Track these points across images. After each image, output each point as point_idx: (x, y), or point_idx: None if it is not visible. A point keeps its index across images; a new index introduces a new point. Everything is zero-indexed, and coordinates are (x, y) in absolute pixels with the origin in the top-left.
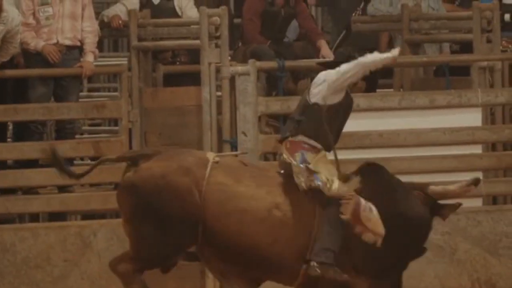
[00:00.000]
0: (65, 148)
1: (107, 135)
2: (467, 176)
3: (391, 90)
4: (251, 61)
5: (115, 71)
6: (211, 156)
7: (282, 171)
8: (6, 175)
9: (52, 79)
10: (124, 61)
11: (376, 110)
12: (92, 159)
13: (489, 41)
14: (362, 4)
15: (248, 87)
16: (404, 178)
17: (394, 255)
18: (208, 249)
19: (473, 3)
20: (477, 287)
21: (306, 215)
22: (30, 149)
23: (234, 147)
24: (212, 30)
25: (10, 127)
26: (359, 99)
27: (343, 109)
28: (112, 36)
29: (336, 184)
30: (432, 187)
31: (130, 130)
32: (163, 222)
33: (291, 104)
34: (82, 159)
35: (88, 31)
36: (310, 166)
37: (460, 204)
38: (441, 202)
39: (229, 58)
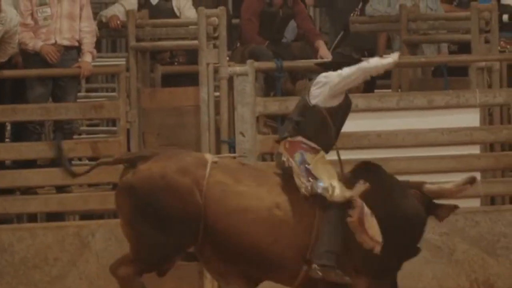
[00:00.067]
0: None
1: (105, 135)
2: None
3: (389, 90)
4: (249, 61)
5: (113, 71)
6: (209, 157)
7: (279, 171)
8: (4, 176)
9: (51, 79)
10: (122, 62)
11: (374, 110)
12: (90, 159)
13: (487, 41)
14: (360, 4)
15: (246, 88)
16: (402, 178)
17: (393, 254)
18: (208, 249)
19: (471, 4)
20: None
21: (306, 215)
22: (28, 150)
23: (232, 147)
24: (210, 30)
25: (8, 127)
26: (357, 100)
27: (342, 111)
28: (110, 36)
29: (337, 190)
30: (428, 186)
31: (128, 131)
32: (164, 223)
33: (289, 104)
34: (80, 159)
35: (86, 31)
36: (310, 167)
37: (456, 207)
38: (438, 202)
39: (227, 58)
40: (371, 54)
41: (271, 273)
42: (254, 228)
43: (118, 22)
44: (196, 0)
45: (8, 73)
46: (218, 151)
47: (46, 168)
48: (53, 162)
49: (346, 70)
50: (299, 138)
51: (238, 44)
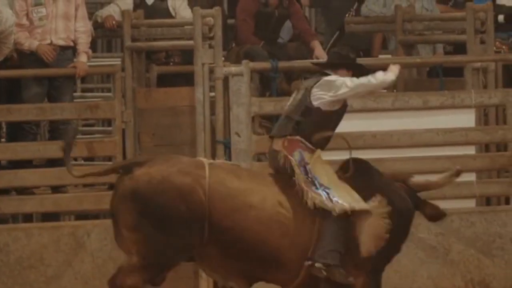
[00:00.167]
0: (58, 148)
1: (100, 135)
2: (461, 177)
3: (385, 91)
4: (244, 61)
5: (109, 71)
6: (204, 159)
7: (273, 172)
8: (0, 176)
9: (46, 79)
10: (117, 62)
11: (370, 111)
12: (86, 159)
13: (482, 42)
14: (356, 5)
15: (242, 88)
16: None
17: (386, 250)
18: (212, 248)
19: (466, 4)
20: None
21: (308, 214)
22: (23, 150)
23: (227, 147)
24: (205, 30)
25: (4, 128)
26: (352, 100)
27: (339, 113)
28: (105, 36)
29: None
30: (413, 179)
31: (123, 131)
32: (169, 224)
33: (285, 104)
34: (75, 159)
35: (81, 31)
36: (309, 167)
37: (444, 214)
38: (423, 198)
39: (223, 58)
40: (367, 55)
41: (273, 272)
42: (260, 225)
43: (114, 22)
44: (192, 0)
45: (3, 73)
46: (213, 151)
47: (41, 168)
48: (49, 162)
49: (352, 82)
50: (298, 138)
51: (234, 45)
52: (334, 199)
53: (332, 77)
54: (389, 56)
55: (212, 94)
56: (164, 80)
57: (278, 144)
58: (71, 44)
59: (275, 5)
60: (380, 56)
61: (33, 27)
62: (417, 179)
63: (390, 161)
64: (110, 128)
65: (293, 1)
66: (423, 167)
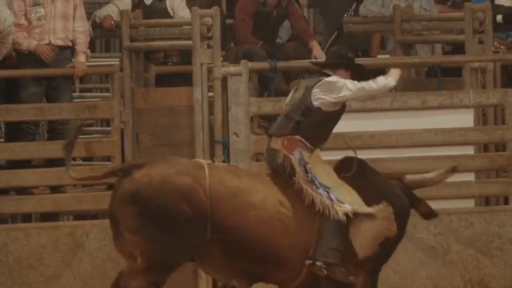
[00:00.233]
0: (57, 148)
1: (99, 135)
2: (459, 177)
3: None
4: (243, 61)
5: (107, 71)
6: (202, 160)
7: (272, 170)
8: None
9: (45, 79)
10: (116, 62)
11: (368, 111)
12: (84, 159)
13: (481, 42)
14: (354, 5)
15: (240, 88)
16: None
17: (385, 248)
18: (214, 248)
19: (465, 4)
20: None
21: (308, 213)
22: (22, 150)
23: (226, 147)
24: (204, 30)
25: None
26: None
27: (339, 113)
28: (104, 36)
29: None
30: (409, 177)
31: (122, 131)
32: (172, 224)
33: (283, 104)
34: (74, 159)
35: (80, 31)
36: (309, 166)
37: (436, 214)
38: (419, 196)
39: (221, 58)
40: (365, 55)
41: (274, 271)
42: (261, 225)
43: (112, 22)
44: (190, 0)
45: (1, 73)
46: (212, 151)
47: (40, 168)
48: (48, 162)
49: (354, 86)
50: (298, 137)
51: (232, 44)
52: (334, 198)
53: (333, 78)
54: (388, 56)
55: (211, 94)
56: (163, 80)
57: (277, 143)
58: (70, 44)
59: (273, 5)
60: (379, 56)
61: (32, 27)
62: (412, 176)
63: (389, 161)
64: (108, 128)
65: (292, 1)
66: (421, 167)
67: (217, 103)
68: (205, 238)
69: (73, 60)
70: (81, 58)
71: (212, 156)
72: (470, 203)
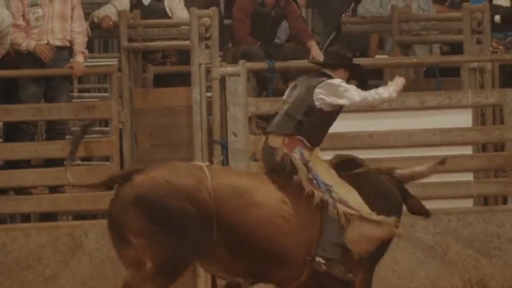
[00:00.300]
0: (55, 148)
1: (97, 135)
2: (458, 177)
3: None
4: (241, 62)
5: (105, 71)
6: (200, 163)
7: (268, 168)
8: None
9: (43, 79)
10: (114, 62)
11: (367, 111)
12: (83, 159)
13: (479, 42)
14: (352, 5)
15: (238, 88)
16: None
17: (381, 248)
18: (220, 247)
19: (463, 4)
20: None
21: (309, 210)
22: (20, 150)
23: (224, 147)
24: (202, 31)
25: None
26: None
27: (338, 112)
28: (102, 36)
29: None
30: (399, 171)
31: (120, 131)
32: (179, 226)
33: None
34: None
35: (78, 31)
36: (310, 165)
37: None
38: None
39: (219, 59)
40: (363, 55)
41: (279, 270)
42: (267, 222)
43: (110, 22)
44: (188, 0)
45: (0, 73)
46: (210, 151)
47: (39, 168)
48: (46, 162)
49: (357, 94)
50: (299, 137)
51: (230, 45)
52: (337, 197)
53: (336, 81)
54: (386, 56)
55: (209, 94)
56: (161, 80)
57: (276, 141)
58: (68, 44)
59: (271, 5)
60: (377, 56)
61: (30, 27)
62: (402, 170)
63: (388, 161)
64: (107, 128)
65: (290, 1)
66: None
67: (215, 103)
68: (211, 238)
69: (71, 60)
70: (79, 58)
71: (210, 156)
72: (468, 203)
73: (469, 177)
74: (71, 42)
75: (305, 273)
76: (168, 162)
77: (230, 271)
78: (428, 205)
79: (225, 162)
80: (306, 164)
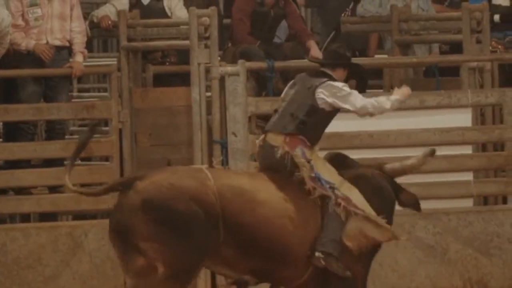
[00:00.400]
0: (55, 148)
1: (97, 135)
2: (458, 177)
3: (381, 90)
4: (240, 61)
5: (105, 71)
6: (199, 166)
7: (264, 166)
8: None
9: (43, 78)
10: (113, 62)
11: None
12: (82, 159)
13: (478, 41)
14: (352, 4)
15: (238, 88)
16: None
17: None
18: (226, 248)
19: (462, 4)
20: (469, 287)
21: (310, 208)
22: (20, 150)
23: (224, 147)
24: (201, 30)
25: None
26: None
27: (335, 112)
28: (101, 36)
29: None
30: (388, 166)
31: (120, 131)
32: (188, 227)
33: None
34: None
35: (77, 31)
36: (312, 163)
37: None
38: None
39: (219, 58)
40: (363, 54)
41: (284, 268)
42: (272, 221)
43: (110, 22)
44: (187, 0)
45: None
46: (210, 151)
47: (39, 168)
48: (46, 162)
49: (360, 101)
50: (301, 137)
51: (230, 44)
52: (340, 194)
53: (339, 84)
54: (385, 56)
55: (209, 94)
56: (161, 80)
57: (276, 140)
58: (67, 44)
59: (271, 4)
60: (376, 56)
61: (29, 27)
62: (393, 164)
63: (387, 160)
64: (106, 128)
65: (289, 1)
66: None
67: (215, 103)
68: (219, 238)
69: (71, 60)
70: (78, 58)
71: (210, 156)
72: (468, 203)
73: (469, 176)
74: (70, 42)
75: (308, 272)
76: (167, 167)
77: (236, 270)
78: (428, 204)
79: (225, 162)
80: (308, 162)
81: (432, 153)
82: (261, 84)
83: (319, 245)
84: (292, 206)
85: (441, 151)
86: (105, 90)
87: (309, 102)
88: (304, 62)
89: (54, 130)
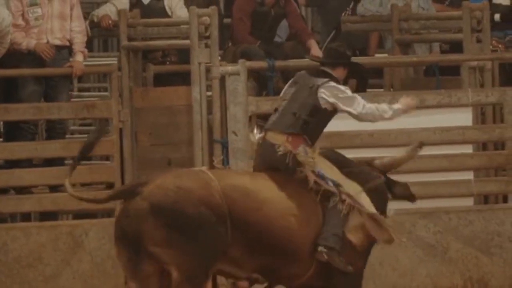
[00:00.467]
0: (55, 147)
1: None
2: (458, 176)
3: (382, 90)
4: (241, 61)
5: (105, 71)
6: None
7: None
8: None
9: (44, 78)
10: (114, 61)
11: None
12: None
13: (479, 41)
14: (352, 4)
15: (238, 87)
16: (394, 178)
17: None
18: (234, 248)
19: (463, 3)
20: (469, 286)
21: (312, 204)
22: (20, 149)
23: (225, 147)
24: (202, 30)
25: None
26: None
27: (335, 112)
28: (102, 36)
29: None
30: (378, 161)
31: (120, 130)
32: (198, 229)
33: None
34: (72, 159)
35: (77, 31)
36: (315, 161)
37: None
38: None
39: (219, 58)
40: (363, 54)
41: (291, 265)
42: (277, 218)
43: (110, 21)
44: None
45: (0, 72)
46: (210, 151)
47: (39, 168)
48: (47, 162)
49: (362, 106)
50: (304, 136)
51: (230, 44)
52: (344, 191)
53: (341, 87)
54: (386, 55)
55: (209, 93)
56: (161, 79)
57: (277, 139)
58: (67, 43)
59: (271, 4)
60: (377, 55)
61: (29, 27)
62: (383, 160)
63: None
64: (107, 128)
65: (290, 0)
66: (420, 165)
67: (215, 102)
68: (228, 238)
69: (71, 59)
70: (78, 57)
71: (210, 155)
72: (469, 202)
73: (469, 175)
74: (70, 41)
75: (312, 268)
76: (169, 171)
77: (243, 269)
78: (429, 203)
79: (225, 162)
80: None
81: (421, 146)
82: (262, 83)
83: (321, 240)
84: (295, 204)
85: (441, 150)
86: (105, 89)
87: (311, 102)
88: (305, 61)
89: (55, 130)
